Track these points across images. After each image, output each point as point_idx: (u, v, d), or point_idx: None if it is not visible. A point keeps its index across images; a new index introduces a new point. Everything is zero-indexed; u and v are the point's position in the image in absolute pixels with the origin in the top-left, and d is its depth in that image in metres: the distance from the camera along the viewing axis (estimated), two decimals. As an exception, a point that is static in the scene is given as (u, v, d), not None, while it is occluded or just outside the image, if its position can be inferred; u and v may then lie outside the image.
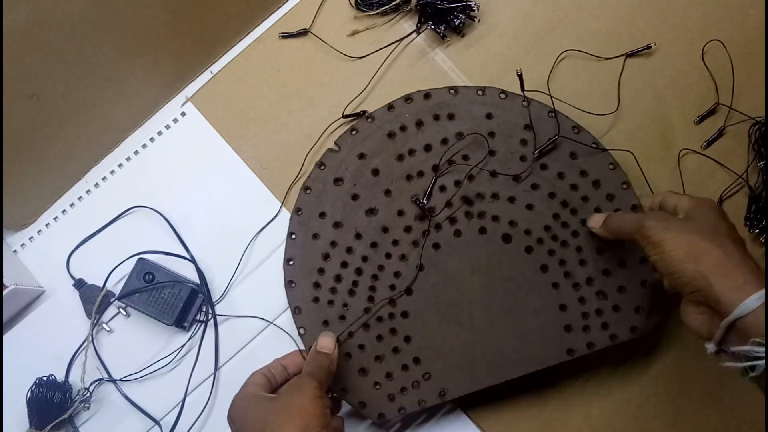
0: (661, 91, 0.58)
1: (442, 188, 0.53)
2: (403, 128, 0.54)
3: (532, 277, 0.52)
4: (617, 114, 0.57)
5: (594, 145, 0.53)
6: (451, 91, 0.54)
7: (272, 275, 0.55)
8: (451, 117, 0.53)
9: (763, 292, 0.37)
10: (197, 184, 0.58)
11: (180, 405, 0.55)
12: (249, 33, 0.60)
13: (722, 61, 0.57)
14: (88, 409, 0.55)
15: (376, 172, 0.53)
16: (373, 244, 0.53)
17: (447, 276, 0.52)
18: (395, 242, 0.53)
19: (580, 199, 0.52)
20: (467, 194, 0.53)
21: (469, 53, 0.59)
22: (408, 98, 0.54)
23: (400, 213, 0.53)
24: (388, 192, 0.53)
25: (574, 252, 0.52)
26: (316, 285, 0.52)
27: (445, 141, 0.53)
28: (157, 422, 0.55)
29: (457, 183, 0.53)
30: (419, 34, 0.58)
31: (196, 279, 0.56)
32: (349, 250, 0.53)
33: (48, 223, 0.59)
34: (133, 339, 0.56)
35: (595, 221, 0.50)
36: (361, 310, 0.52)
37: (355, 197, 0.53)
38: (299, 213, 0.53)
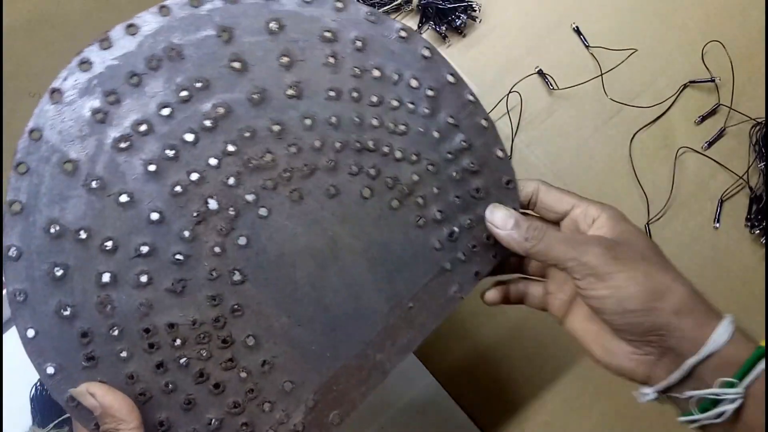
0: (662, 91, 0.58)
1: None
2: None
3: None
4: (618, 114, 0.57)
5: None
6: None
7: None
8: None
9: (727, 322, 0.33)
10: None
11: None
12: (250, 32, 0.60)
13: (723, 61, 0.57)
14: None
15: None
16: None
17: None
18: None
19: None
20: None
21: (471, 53, 0.59)
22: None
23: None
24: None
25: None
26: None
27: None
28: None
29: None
30: (421, 34, 0.58)
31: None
32: None
33: (49, 223, 0.59)
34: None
35: (501, 221, 0.37)
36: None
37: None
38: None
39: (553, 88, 0.57)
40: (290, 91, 0.37)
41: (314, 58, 0.37)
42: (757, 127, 0.56)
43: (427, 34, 0.59)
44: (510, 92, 0.57)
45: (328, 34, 0.37)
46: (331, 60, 0.37)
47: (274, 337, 0.37)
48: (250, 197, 0.37)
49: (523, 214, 0.39)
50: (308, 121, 0.37)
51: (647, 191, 0.56)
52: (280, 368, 0.37)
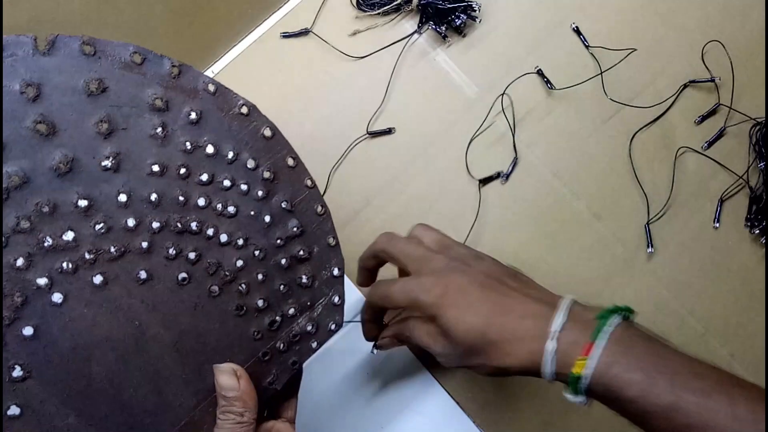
0: (662, 91, 0.58)
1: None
2: None
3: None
4: (618, 114, 0.57)
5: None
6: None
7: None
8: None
9: (563, 308, 0.36)
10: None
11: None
12: (250, 33, 0.60)
13: (723, 61, 0.57)
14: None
15: None
16: None
17: None
18: None
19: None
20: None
21: (471, 53, 0.59)
22: None
23: None
24: None
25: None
26: None
27: None
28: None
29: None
30: (420, 34, 0.58)
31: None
32: None
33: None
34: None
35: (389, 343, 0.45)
36: None
37: None
38: None
39: (552, 88, 0.57)
40: (106, 163, 0.32)
41: (139, 127, 0.33)
42: (757, 127, 0.56)
43: (427, 34, 0.59)
44: (507, 92, 0.57)
45: (158, 103, 0.33)
46: (159, 131, 0.34)
47: None
48: (42, 281, 0.32)
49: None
50: (124, 198, 0.33)
51: (647, 191, 0.56)
52: None
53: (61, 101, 0.31)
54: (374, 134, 0.57)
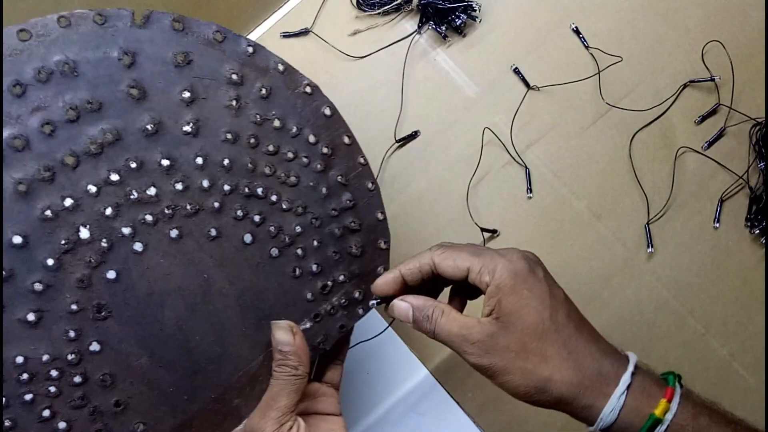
0: (662, 91, 0.58)
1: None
2: None
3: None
4: (618, 114, 0.57)
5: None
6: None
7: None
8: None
9: (614, 399, 0.34)
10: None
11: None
12: (250, 33, 0.60)
13: (723, 61, 0.57)
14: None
15: None
16: None
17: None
18: None
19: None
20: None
21: (471, 53, 0.59)
22: None
23: None
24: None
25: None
26: None
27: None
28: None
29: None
30: (421, 34, 0.58)
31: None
32: None
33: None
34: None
35: (404, 315, 0.37)
36: None
37: None
38: None
39: (531, 88, 0.57)
40: (187, 128, 0.36)
41: (217, 98, 0.37)
42: (757, 127, 0.56)
43: (427, 34, 0.59)
44: (506, 94, 0.57)
45: (234, 77, 0.37)
46: (234, 103, 0.37)
47: (131, 377, 0.36)
48: (126, 230, 0.35)
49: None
50: (200, 160, 0.36)
51: (647, 191, 0.56)
52: (133, 409, 0.36)
53: (152, 69, 0.35)
54: (402, 141, 0.57)
